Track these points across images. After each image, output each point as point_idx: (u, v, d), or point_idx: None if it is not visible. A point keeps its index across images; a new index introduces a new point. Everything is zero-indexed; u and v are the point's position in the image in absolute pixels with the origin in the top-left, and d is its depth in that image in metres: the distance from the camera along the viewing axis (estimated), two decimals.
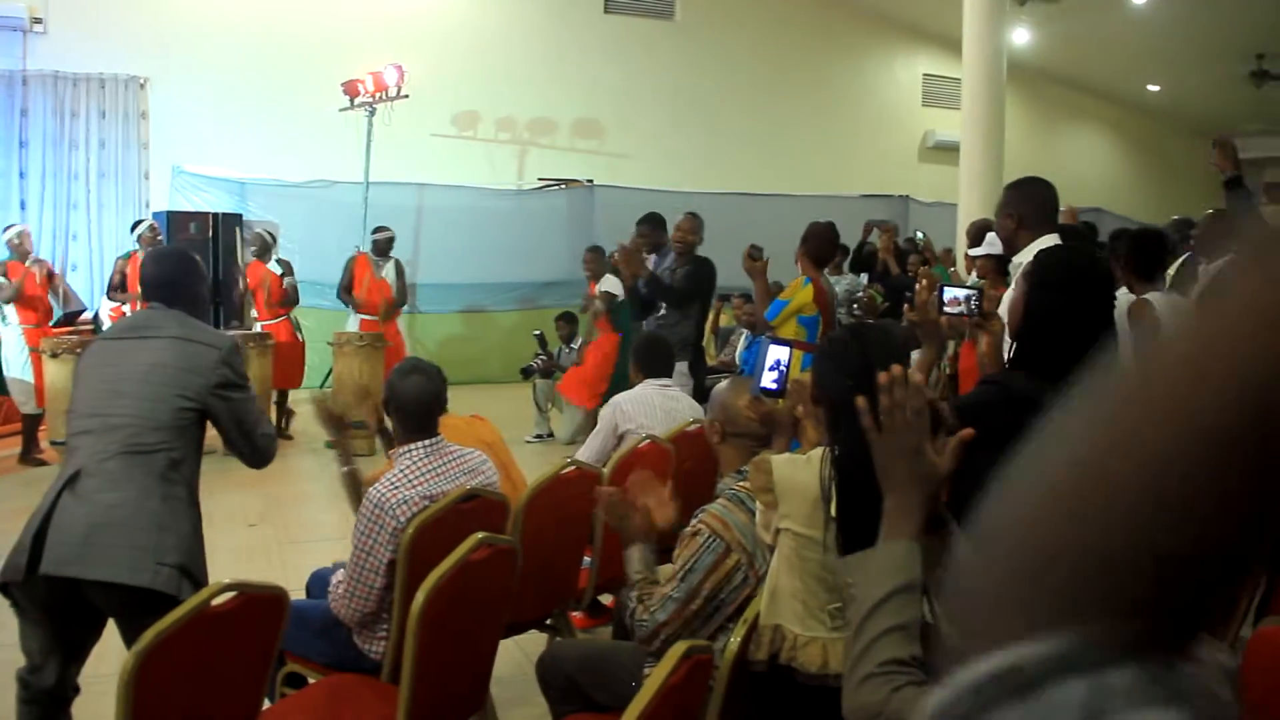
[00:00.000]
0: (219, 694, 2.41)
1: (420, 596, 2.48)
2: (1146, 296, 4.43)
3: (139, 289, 3.12)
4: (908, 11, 16.02)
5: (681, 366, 5.70)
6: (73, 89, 12.25)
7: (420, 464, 3.12)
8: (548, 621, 3.81)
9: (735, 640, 2.26)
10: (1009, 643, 0.48)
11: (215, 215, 10.97)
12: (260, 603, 2.42)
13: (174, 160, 12.23)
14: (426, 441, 3.16)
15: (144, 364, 2.97)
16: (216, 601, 2.31)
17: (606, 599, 4.31)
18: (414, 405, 3.19)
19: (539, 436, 9.02)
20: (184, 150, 12.23)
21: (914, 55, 16.96)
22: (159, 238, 9.19)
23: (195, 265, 3.30)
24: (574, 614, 4.02)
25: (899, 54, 16.88)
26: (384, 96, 11.05)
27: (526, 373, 9.28)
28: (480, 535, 2.70)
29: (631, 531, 2.67)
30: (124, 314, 7.97)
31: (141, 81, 12.38)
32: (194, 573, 2.91)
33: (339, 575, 3.08)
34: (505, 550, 2.87)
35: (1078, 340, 2.81)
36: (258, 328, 8.94)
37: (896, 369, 1.56)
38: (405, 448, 3.16)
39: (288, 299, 9.16)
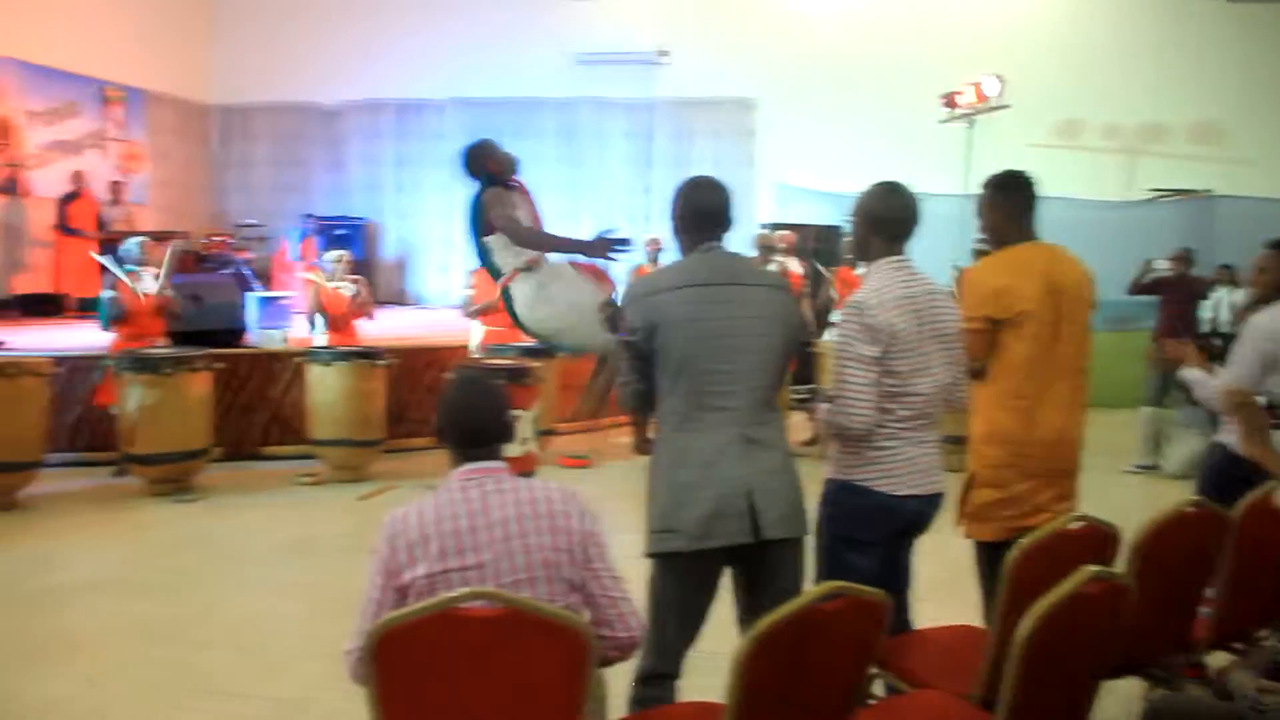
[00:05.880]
0: (815, 692, 2.44)
1: (1027, 623, 2.35)
2: None
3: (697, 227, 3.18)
4: None
5: None
6: (690, 112, 13.46)
7: None
8: (1152, 670, 3.49)
9: None
10: None
11: (813, 227, 11.48)
12: (863, 607, 2.42)
13: (776, 176, 12.95)
14: None
15: (743, 317, 2.97)
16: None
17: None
18: None
19: (1142, 467, 8.34)
20: (786, 165, 12.90)
21: None
22: (660, 250, 9.57)
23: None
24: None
25: None
26: (984, 107, 10.88)
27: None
28: (1093, 569, 2.51)
29: None
30: None
31: (751, 102, 13.26)
32: None
33: None
34: (1118, 587, 2.66)
35: None
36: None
37: None
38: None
39: None
